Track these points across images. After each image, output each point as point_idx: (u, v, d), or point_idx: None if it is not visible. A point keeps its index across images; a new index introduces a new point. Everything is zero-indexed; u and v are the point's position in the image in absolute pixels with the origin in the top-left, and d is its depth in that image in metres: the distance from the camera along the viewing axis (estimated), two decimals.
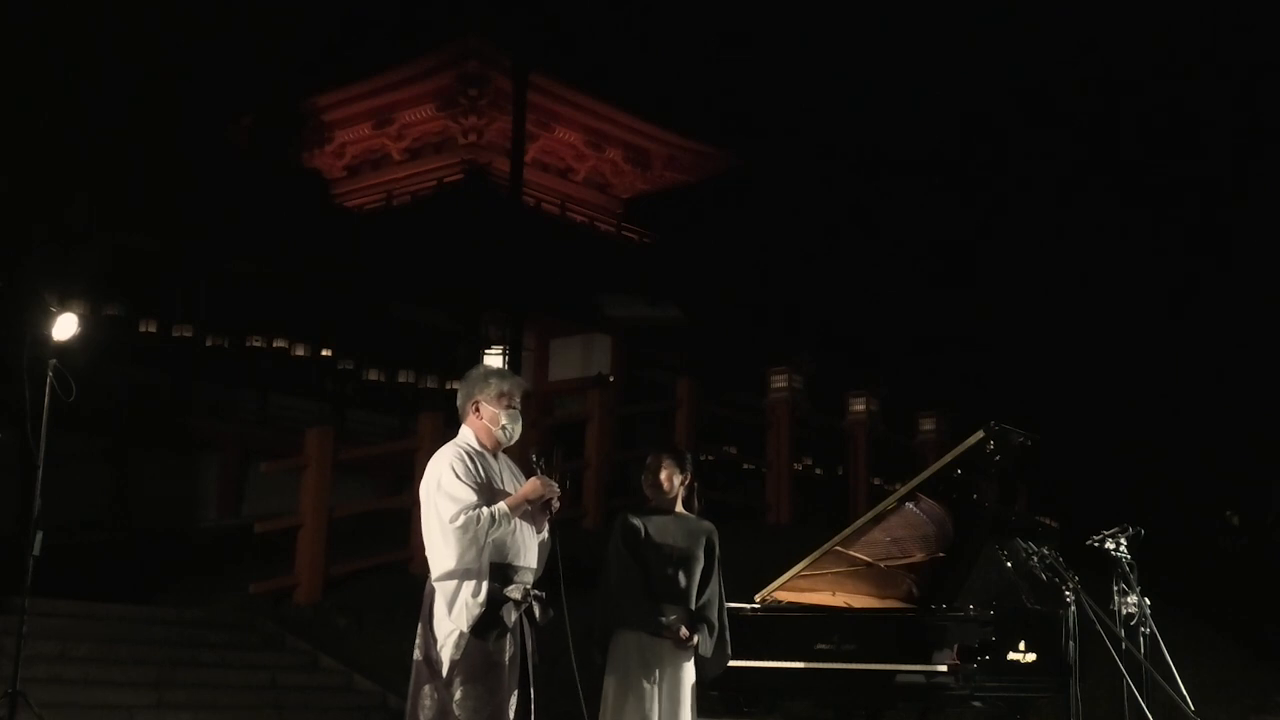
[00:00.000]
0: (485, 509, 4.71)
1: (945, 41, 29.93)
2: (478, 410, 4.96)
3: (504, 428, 4.95)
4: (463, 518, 4.67)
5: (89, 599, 9.45)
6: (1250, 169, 26.39)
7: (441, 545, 4.71)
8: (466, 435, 4.97)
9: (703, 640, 5.40)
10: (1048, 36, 29.52)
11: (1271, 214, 25.28)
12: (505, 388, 4.98)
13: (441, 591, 4.71)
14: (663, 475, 5.57)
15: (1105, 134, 28.96)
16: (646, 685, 5.29)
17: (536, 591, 4.85)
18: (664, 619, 5.34)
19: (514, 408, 4.97)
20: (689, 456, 5.74)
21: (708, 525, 5.62)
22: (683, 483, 5.60)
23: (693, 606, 5.43)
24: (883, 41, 30.47)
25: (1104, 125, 29.15)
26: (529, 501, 4.82)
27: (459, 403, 5.04)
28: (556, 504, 4.88)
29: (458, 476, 4.76)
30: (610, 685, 5.35)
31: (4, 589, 8.07)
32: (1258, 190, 25.99)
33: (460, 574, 4.68)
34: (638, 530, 5.43)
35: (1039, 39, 29.28)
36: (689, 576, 5.45)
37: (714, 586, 5.54)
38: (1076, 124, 29.43)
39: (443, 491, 4.74)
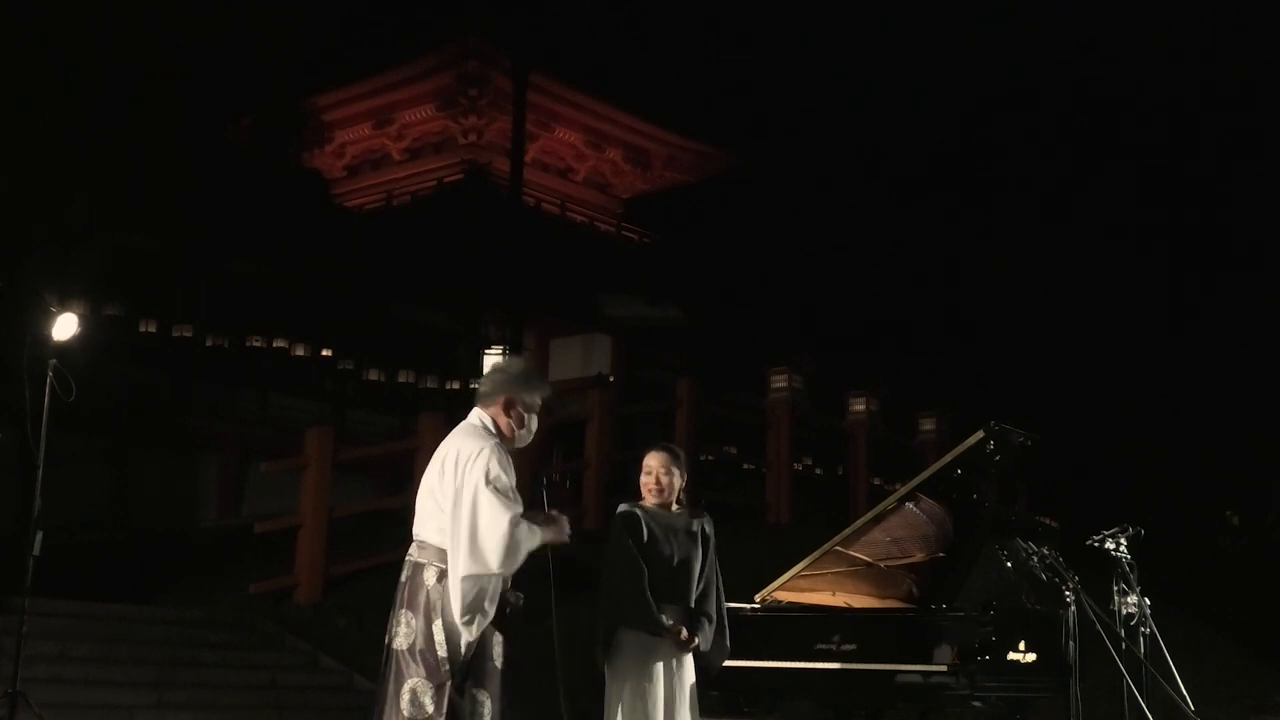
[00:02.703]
0: (531, 524, 4.60)
1: (945, 42, 29.95)
2: (510, 407, 4.81)
3: (526, 430, 4.83)
4: (524, 526, 4.52)
5: (89, 599, 9.44)
6: (1251, 169, 26.40)
7: (486, 542, 4.48)
8: (487, 424, 4.80)
9: (702, 636, 5.38)
10: (1048, 36, 29.55)
11: (1272, 214, 25.29)
12: (545, 392, 4.90)
13: (460, 591, 4.51)
14: (661, 474, 5.52)
15: (1106, 133, 28.98)
16: (648, 684, 5.27)
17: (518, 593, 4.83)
18: (664, 619, 5.32)
19: (537, 413, 4.91)
20: (684, 455, 5.70)
21: (703, 515, 5.59)
22: (682, 485, 5.57)
23: (691, 604, 5.42)
24: (883, 41, 30.51)
25: (1105, 125, 29.17)
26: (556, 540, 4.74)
27: (487, 388, 4.85)
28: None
29: (506, 476, 4.59)
30: (613, 685, 5.34)
31: (4, 589, 8.06)
32: (1258, 190, 26.00)
33: (488, 579, 4.53)
34: (639, 529, 5.40)
35: (1039, 39, 29.30)
36: (688, 574, 5.42)
37: (710, 577, 5.49)
38: (1077, 123, 29.46)
39: (496, 490, 4.52)
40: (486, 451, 4.60)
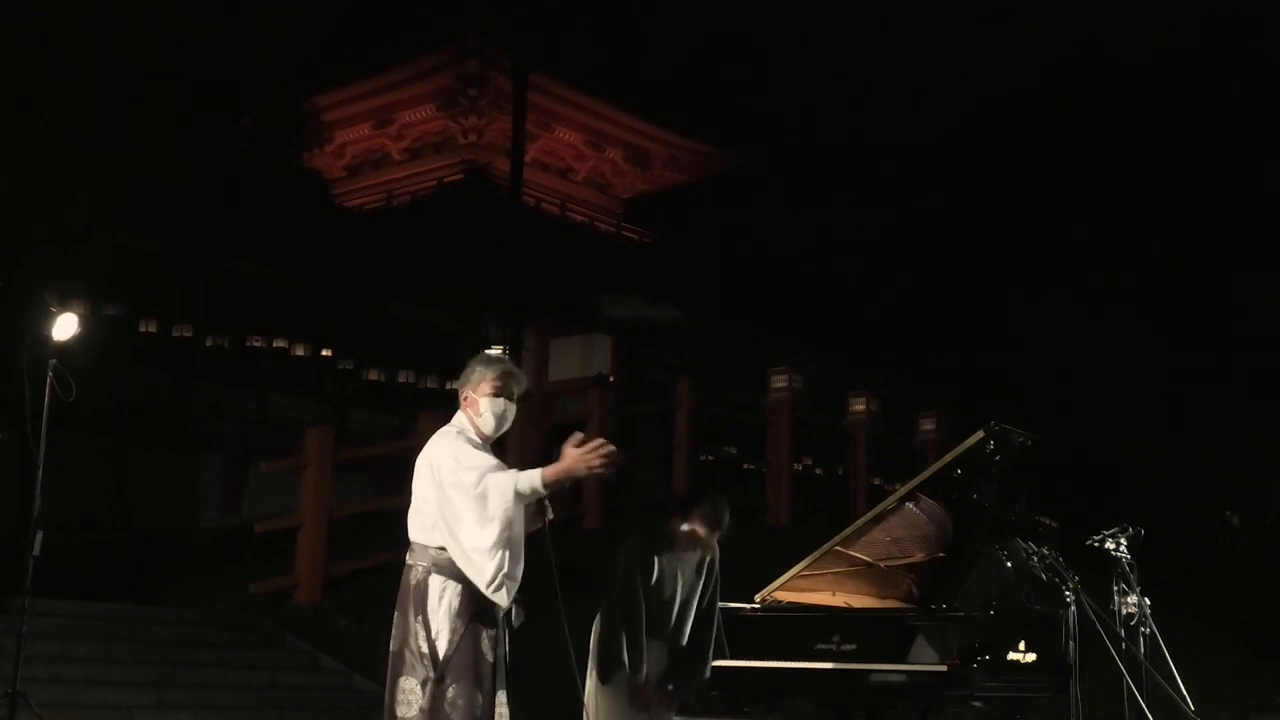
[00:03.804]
0: (515, 471, 4.58)
1: (945, 41, 29.94)
2: (467, 400, 4.87)
3: (483, 415, 4.82)
4: (492, 476, 4.54)
5: (89, 599, 9.45)
6: (1251, 166, 26.37)
7: (467, 516, 4.54)
8: (461, 422, 4.87)
9: (685, 700, 5.49)
10: (1048, 36, 29.54)
11: (1272, 214, 25.28)
12: (489, 374, 4.85)
13: (437, 582, 4.59)
14: (699, 531, 5.52)
15: (1105, 132, 28.95)
16: (630, 695, 5.34)
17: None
18: (643, 679, 5.37)
19: (499, 395, 4.83)
20: (727, 520, 5.63)
21: (711, 547, 5.63)
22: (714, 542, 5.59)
23: (681, 642, 5.47)
24: (883, 41, 30.48)
25: (1104, 124, 29.15)
26: (571, 474, 4.60)
27: (459, 395, 4.97)
28: (551, 514, 4.78)
29: (474, 449, 4.68)
30: (591, 689, 5.38)
31: (4, 589, 8.07)
32: (1258, 188, 25.98)
33: (506, 543, 4.52)
34: (650, 569, 5.44)
35: (1039, 39, 29.28)
36: (684, 615, 5.51)
37: (710, 607, 5.59)
38: (1076, 123, 29.43)
39: (462, 466, 4.61)
40: (450, 443, 4.75)
